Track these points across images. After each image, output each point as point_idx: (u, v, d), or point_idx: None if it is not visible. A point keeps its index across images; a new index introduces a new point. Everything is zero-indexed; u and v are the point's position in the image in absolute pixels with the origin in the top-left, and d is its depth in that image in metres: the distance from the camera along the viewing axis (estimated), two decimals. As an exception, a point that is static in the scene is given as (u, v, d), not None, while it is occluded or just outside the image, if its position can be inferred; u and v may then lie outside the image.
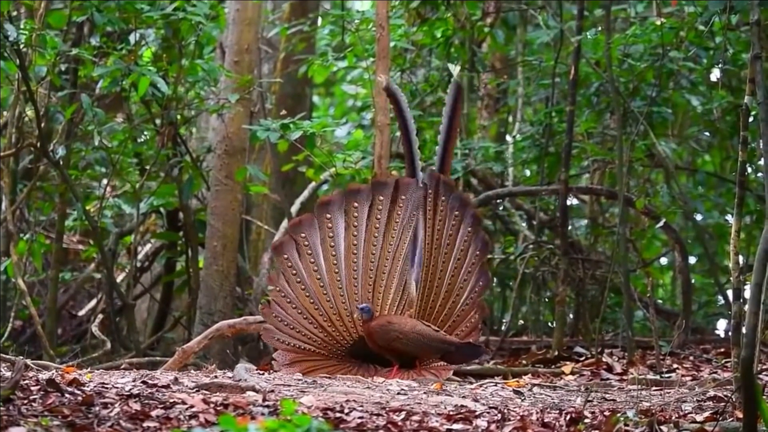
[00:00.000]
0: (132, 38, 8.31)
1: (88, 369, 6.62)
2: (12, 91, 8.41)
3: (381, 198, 6.84)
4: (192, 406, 4.78)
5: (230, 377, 6.00)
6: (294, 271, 6.78)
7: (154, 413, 4.64)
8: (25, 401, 4.68)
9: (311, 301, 6.76)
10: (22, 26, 8.05)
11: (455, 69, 7.30)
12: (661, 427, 4.79)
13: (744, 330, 4.85)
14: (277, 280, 6.83)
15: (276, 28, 10.44)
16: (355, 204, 6.81)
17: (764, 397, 4.96)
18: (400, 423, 4.78)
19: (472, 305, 6.88)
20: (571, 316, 9.02)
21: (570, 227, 9.10)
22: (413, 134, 6.99)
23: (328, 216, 6.81)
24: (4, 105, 8.68)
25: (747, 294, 5.34)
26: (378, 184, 6.92)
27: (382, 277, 6.76)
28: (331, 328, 6.76)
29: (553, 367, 7.68)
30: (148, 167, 8.85)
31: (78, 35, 8.68)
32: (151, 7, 8.23)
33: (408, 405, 5.26)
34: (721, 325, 9.85)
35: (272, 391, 5.48)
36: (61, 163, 8.30)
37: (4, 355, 6.61)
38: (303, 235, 6.81)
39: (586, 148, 9.05)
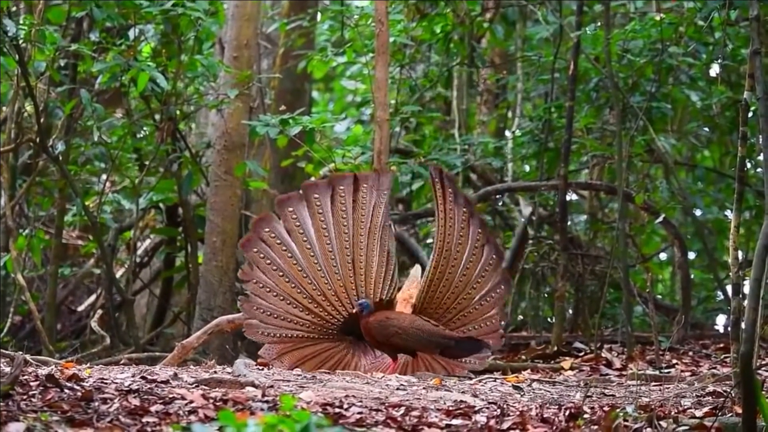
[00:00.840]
0: (131, 34, 8.31)
1: (88, 364, 6.63)
2: (11, 87, 8.40)
3: (342, 187, 6.85)
4: (191, 402, 4.78)
5: (229, 372, 6.00)
6: (268, 261, 6.76)
7: (153, 408, 4.64)
8: (25, 396, 4.68)
9: (292, 285, 6.73)
10: (21, 22, 8.05)
11: (526, 209, 7.45)
12: (661, 422, 4.79)
13: (743, 325, 4.85)
14: (250, 273, 6.80)
15: (275, 24, 10.44)
16: (316, 195, 6.83)
17: (763, 392, 4.96)
18: (399, 418, 4.78)
19: (491, 304, 6.85)
20: (570, 311, 9.03)
21: (569, 223, 9.11)
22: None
23: (290, 209, 6.82)
24: (4, 100, 8.68)
25: (746, 289, 5.33)
26: (336, 178, 6.96)
27: (360, 252, 6.74)
28: (318, 309, 6.73)
29: (552, 362, 7.68)
30: (147, 163, 8.85)
31: (77, 31, 8.68)
32: (150, 2, 8.22)
33: (407, 400, 5.26)
34: (721, 320, 9.86)
35: (271, 386, 5.48)
36: (61, 158, 8.30)
37: (3, 351, 6.60)
38: (267, 229, 6.80)
39: (586, 144, 9.05)
